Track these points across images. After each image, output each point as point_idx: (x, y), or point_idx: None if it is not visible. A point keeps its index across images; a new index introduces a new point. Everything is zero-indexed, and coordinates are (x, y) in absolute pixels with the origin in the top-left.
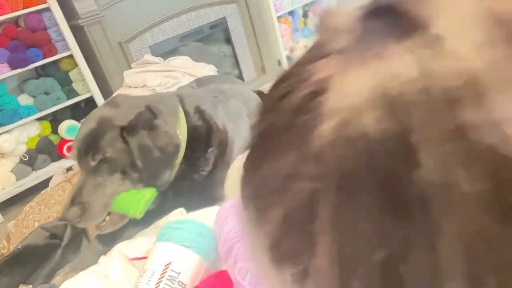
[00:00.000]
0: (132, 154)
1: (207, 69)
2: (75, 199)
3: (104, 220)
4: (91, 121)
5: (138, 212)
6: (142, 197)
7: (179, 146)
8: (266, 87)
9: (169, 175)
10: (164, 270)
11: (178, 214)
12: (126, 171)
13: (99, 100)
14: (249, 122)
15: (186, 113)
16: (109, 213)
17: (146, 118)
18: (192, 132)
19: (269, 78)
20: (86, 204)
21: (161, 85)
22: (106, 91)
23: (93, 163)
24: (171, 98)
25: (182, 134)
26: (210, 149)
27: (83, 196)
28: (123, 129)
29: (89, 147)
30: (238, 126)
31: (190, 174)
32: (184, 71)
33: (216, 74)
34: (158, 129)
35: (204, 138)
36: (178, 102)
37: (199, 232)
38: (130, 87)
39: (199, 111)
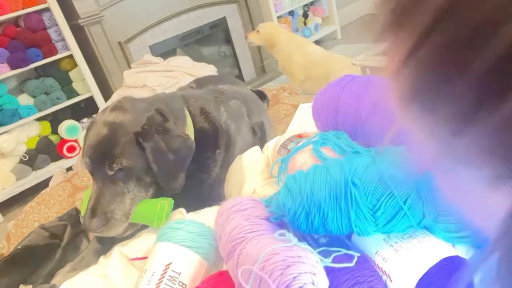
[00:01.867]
0: (148, 159)
1: (207, 69)
2: (96, 210)
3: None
4: (100, 127)
5: (161, 224)
6: (162, 208)
7: (193, 148)
8: (266, 87)
9: (183, 178)
10: (164, 270)
11: (178, 214)
12: (140, 176)
13: (99, 100)
14: (248, 123)
15: (192, 114)
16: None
17: (158, 121)
18: (199, 134)
19: (269, 78)
20: (109, 214)
21: (161, 85)
22: (106, 91)
23: (110, 173)
24: (177, 99)
25: (189, 135)
26: (218, 151)
27: (103, 205)
28: (137, 134)
29: (104, 156)
30: (239, 126)
31: (199, 174)
32: (184, 71)
33: (216, 74)
34: (171, 132)
35: (212, 140)
36: (184, 103)
37: (200, 232)
38: (130, 87)
39: (205, 113)
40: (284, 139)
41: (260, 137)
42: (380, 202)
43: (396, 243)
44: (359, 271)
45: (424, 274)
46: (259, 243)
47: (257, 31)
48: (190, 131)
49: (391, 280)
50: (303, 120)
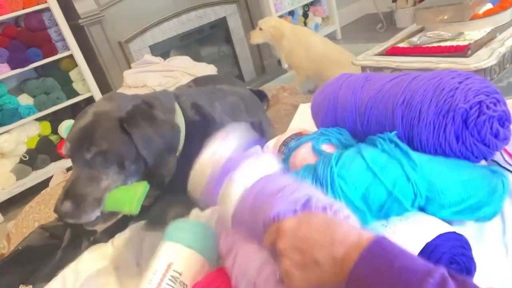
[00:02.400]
0: (136, 145)
1: (207, 69)
2: (68, 193)
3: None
4: (85, 116)
5: (133, 208)
6: (135, 193)
7: (179, 132)
8: (266, 87)
9: (174, 162)
10: (166, 270)
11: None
12: (123, 163)
13: None
14: (247, 118)
15: (183, 109)
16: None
17: (143, 108)
18: (190, 126)
19: (269, 78)
20: (79, 197)
21: (161, 85)
22: (106, 91)
23: (88, 155)
24: (167, 95)
25: (180, 128)
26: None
27: (76, 189)
28: (121, 120)
29: (83, 139)
30: (236, 121)
31: (188, 166)
32: (184, 71)
33: (216, 73)
34: (157, 118)
35: (202, 131)
36: (174, 99)
37: (203, 233)
38: (130, 87)
39: (196, 107)
40: (284, 137)
41: (259, 135)
42: (369, 190)
43: (394, 225)
44: None
45: (421, 249)
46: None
47: (260, 29)
48: (181, 124)
49: None
50: (304, 120)
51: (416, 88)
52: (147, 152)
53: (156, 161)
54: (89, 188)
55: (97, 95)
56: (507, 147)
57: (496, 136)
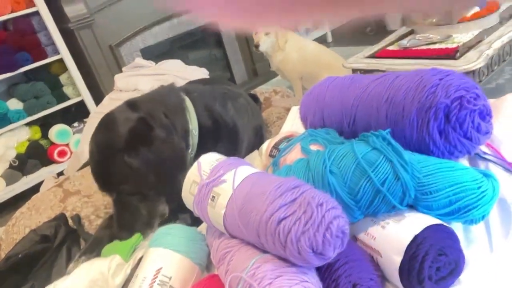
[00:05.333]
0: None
1: (199, 72)
2: (119, 223)
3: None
4: (93, 148)
5: (125, 258)
6: (127, 245)
7: (183, 149)
8: (258, 90)
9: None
10: (155, 275)
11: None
12: (142, 192)
13: (90, 104)
14: (252, 121)
15: (196, 110)
16: None
17: (141, 132)
18: (203, 130)
19: (261, 81)
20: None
21: (153, 88)
22: (97, 95)
23: (112, 197)
24: (174, 93)
25: (193, 126)
26: (219, 144)
27: (126, 220)
28: (122, 153)
29: (104, 185)
30: (246, 124)
31: None
32: (176, 74)
33: (208, 77)
34: (157, 141)
35: (213, 135)
36: (183, 96)
37: (190, 237)
38: (121, 90)
39: (208, 110)
40: (275, 141)
41: (259, 139)
42: (358, 186)
43: (383, 220)
44: (350, 250)
45: (411, 241)
46: (248, 250)
47: (255, 33)
48: (194, 122)
49: (381, 256)
50: (296, 123)
51: (399, 86)
52: (153, 177)
53: (165, 182)
54: (133, 217)
55: (88, 99)
56: (490, 142)
57: (478, 130)
